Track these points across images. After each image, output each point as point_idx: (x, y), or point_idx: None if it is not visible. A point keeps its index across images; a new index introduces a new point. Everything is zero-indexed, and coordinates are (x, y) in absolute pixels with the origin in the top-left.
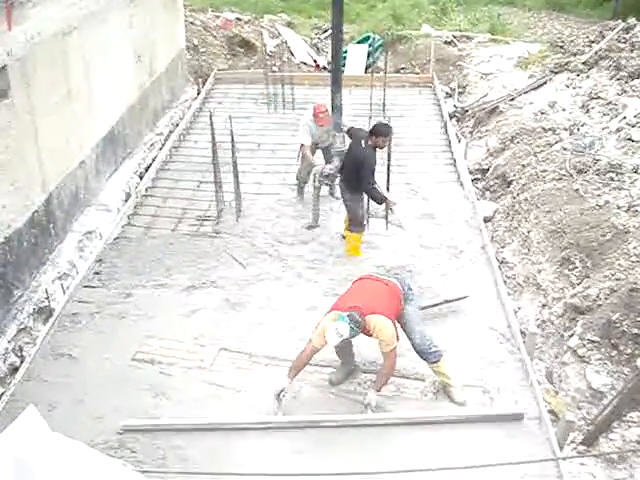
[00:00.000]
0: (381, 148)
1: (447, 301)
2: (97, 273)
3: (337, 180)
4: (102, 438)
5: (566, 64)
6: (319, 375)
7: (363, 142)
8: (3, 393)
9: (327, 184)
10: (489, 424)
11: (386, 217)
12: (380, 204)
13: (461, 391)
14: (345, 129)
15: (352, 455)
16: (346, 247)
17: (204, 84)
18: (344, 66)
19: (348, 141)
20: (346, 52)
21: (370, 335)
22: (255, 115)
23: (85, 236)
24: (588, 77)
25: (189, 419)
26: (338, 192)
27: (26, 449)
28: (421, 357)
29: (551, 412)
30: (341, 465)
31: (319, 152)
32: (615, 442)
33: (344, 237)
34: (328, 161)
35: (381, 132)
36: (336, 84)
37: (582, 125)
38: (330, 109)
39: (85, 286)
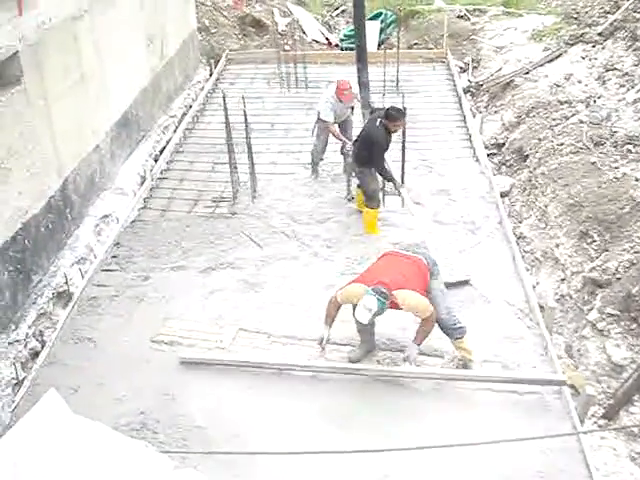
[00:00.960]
0: (394, 132)
1: (447, 284)
2: (115, 257)
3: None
4: (124, 420)
5: (581, 36)
6: (338, 353)
7: (378, 122)
8: (25, 378)
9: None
10: (510, 399)
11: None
12: (388, 182)
13: (480, 367)
14: (373, 106)
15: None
16: (363, 224)
17: (216, 65)
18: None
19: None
20: None
21: (400, 309)
22: (268, 95)
23: (102, 220)
24: (604, 48)
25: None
26: (351, 169)
27: (48, 432)
28: (445, 333)
29: (571, 386)
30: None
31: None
32: (636, 415)
33: (360, 211)
34: (346, 136)
35: (392, 117)
36: (362, 61)
37: (598, 97)
38: (357, 87)
39: (103, 270)
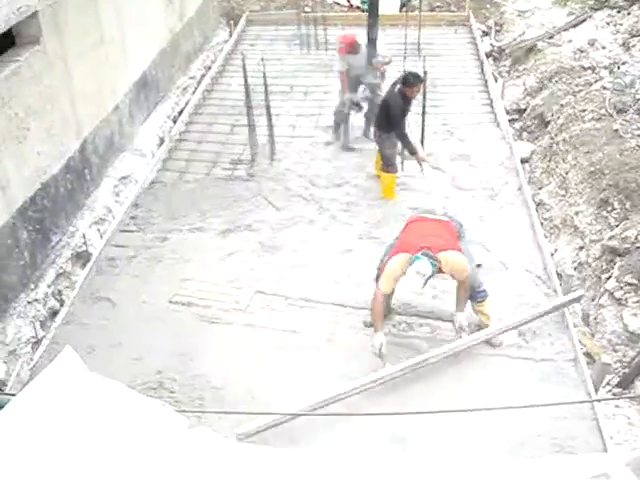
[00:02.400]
0: (412, 98)
1: None
2: (133, 218)
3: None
4: (141, 379)
5: (606, 0)
6: (355, 317)
7: (397, 88)
8: (44, 337)
9: (357, 112)
10: (526, 365)
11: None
12: (411, 154)
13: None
14: (386, 60)
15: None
16: (381, 188)
17: (236, 26)
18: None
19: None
20: None
21: (442, 272)
22: (288, 57)
23: (120, 181)
24: (629, 14)
25: None
26: (372, 133)
27: (64, 389)
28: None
29: (587, 354)
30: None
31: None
32: None
33: (378, 176)
34: (373, 99)
35: (409, 82)
36: (373, 17)
37: (623, 63)
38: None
39: (122, 231)
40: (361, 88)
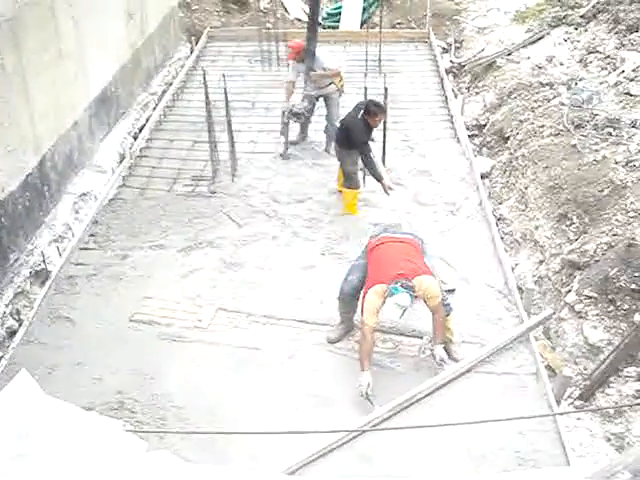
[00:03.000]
0: (374, 127)
1: None
2: (93, 235)
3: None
4: (101, 400)
5: (564, 17)
6: (318, 333)
7: (361, 113)
8: (2, 357)
9: (295, 121)
10: (488, 379)
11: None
12: (377, 181)
13: (459, 347)
14: (331, 71)
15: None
16: (343, 204)
17: (197, 42)
18: (338, 22)
19: (319, 85)
20: (340, 7)
21: (416, 296)
22: (249, 73)
23: (80, 198)
24: (586, 31)
25: None
26: (331, 149)
27: (20, 413)
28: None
29: (548, 367)
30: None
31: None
32: (612, 397)
33: (340, 192)
34: (330, 112)
35: (371, 112)
36: (312, 31)
37: (580, 79)
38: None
39: (81, 248)
40: (299, 98)
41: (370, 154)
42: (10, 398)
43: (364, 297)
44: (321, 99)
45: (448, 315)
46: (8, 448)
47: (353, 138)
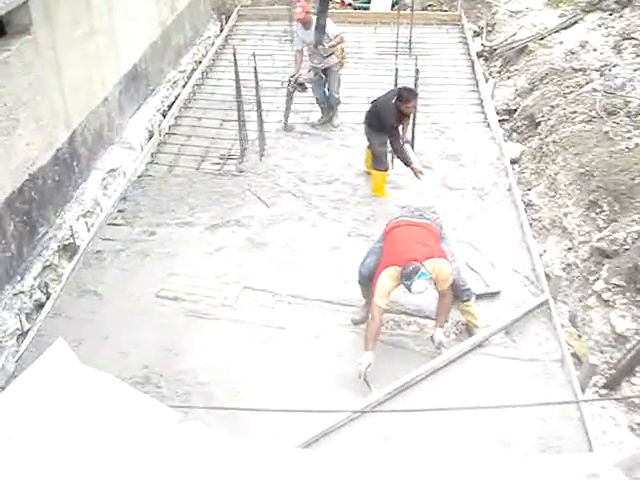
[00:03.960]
0: (406, 113)
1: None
2: (121, 211)
3: (334, 107)
4: (127, 374)
5: (598, 3)
6: (342, 314)
7: (394, 99)
8: (29, 329)
9: (300, 91)
10: (513, 364)
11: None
12: (406, 165)
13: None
14: (334, 41)
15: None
16: (371, 186)
17: (227, 21)
18: (369, 2)
19: (324, 59)
20: None
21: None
22: (278, 53)
23: (109, 174)
24: (621, 17)
25: None
26: (337, 120)
27: (56, 381)
28: (454, 294)
29: (574, 355)
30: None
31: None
32: (637, 386)
33: (368, 173)
34: (331, 86)
35: (403, 97)
36: (323, 4)
37: (613, 66)
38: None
39: (109, 224)
40: (305, 70)
41: (398, 138)
42: (46, 366)
43: (376, 278)
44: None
45: (469, 300)
46: (46, 415)
47: (383, 120)
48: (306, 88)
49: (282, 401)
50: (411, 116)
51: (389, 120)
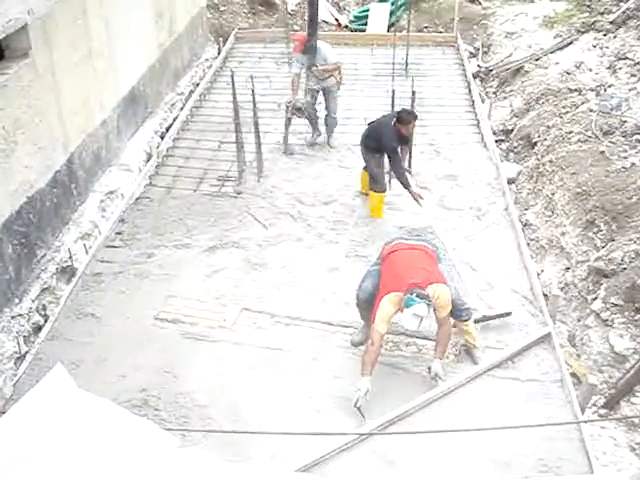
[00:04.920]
0: (405, 135)
1: (487, 317)
2: (119, 233)
3: (330, 130)
4: (125, 397)
5: (593, 23)
6: (340, 336)
7: (393, 121)
8: (27, 352)
9: (298, 116)
10: (512, 385)
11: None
12: (405, 188)
13: (483, 353)
14: (328, 65)
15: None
16: (368, 206)
17: (225, 43)
18: (366, 24)
19: (320, 78)
20: (368, 10)
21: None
22: (276, 75)
23: (107, 196)
24: (615, 37)
25: None
26: (334, 142)
27: (54, 406)
28: (452, 314)
29: (573, 375)
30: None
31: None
32: (636, 406)
33: (364, 194)
34: (328, 106)
35: (402, 119)
36: (312, 27)
37: (609, 86)
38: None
39: (107, 246)
40: (302, 94)
41: (398, 161)
42: (45, 391)
43: (378, 303)
44: (321, 92)
45: (468, 319)
46: (45, 440)
47: (384, 143)
48: (304, 113)
49: (281, 423)
50: (411, 140)
51: (390, 143)
